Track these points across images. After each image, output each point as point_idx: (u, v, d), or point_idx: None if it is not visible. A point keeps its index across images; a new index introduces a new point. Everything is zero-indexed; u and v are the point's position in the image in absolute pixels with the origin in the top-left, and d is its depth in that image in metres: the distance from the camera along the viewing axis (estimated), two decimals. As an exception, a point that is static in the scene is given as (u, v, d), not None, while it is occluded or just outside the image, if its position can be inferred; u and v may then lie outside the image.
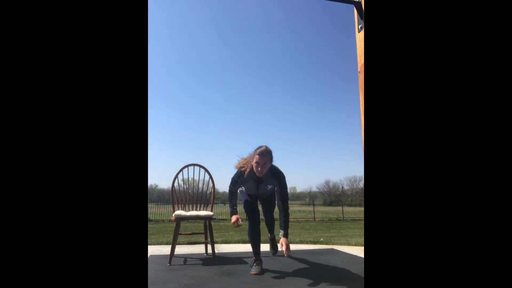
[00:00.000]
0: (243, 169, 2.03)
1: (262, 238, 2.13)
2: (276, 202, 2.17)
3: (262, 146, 1.97)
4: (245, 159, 2.07)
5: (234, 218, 1.95)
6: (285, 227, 1.97)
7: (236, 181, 2.09)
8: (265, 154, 1.91)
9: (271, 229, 2.55)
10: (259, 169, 1.91)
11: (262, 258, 2.09)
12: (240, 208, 2.26)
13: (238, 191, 2.22)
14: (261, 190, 2.14)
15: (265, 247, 2.89)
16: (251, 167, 1.98)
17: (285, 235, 1.92)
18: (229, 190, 2.09)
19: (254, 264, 1.98)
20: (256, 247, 2.06)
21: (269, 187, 2.12)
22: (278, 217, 2.16)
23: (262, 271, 1.94)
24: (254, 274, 1.88)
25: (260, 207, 2.35)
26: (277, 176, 2.03)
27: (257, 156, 1.90)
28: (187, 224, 9.49)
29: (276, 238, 2.56)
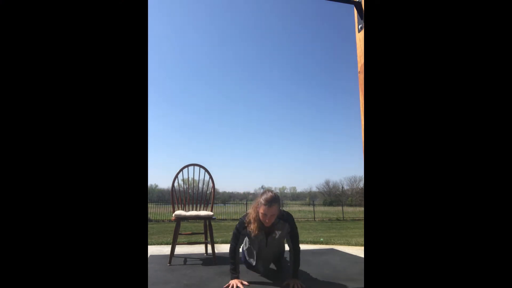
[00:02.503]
0: (248, 225, 1.78)
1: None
2: (288, 245, 1.86)
3: (268, 193, 1.73)
4: (251, 209, 1.79)
5: (233, 282, 1.66)
6: (295, 266, 1.76)
7: (239, 234, 1.81)
8: (273, 202, 1.68)
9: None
10: (266, 220, 1.70)
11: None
12: (242, 267, 2.01)
13: (243, 250, 1.99)
14: (270, 243, 1.87)
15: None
16: (258, 220, 1.74)
17: (295, 276, 1.72)
18: (231, 248, 1.79)
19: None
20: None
21: (278, 233, 1.83)
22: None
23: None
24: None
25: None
26: (288, 218, 1.82)
27: (264, 207, 1.68)
28: (187, 224, 9.49)
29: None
